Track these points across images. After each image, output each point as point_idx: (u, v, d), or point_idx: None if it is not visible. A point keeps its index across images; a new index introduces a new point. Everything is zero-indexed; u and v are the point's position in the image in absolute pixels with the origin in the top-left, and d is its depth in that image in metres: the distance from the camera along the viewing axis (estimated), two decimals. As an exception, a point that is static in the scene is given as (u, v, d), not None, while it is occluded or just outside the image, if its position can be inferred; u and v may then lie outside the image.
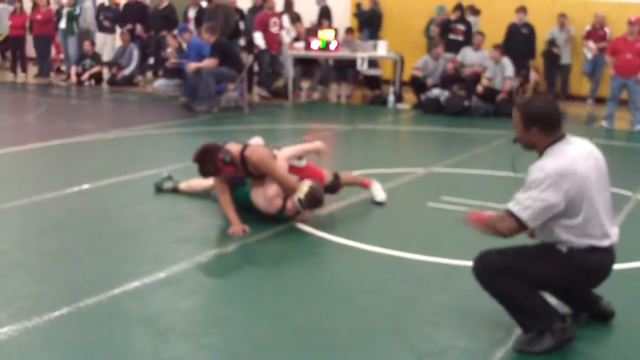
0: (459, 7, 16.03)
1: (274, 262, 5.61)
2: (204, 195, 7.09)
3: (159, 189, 7.28)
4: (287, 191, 6.23)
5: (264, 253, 5.79)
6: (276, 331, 4.29)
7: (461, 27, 15.84)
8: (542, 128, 4.01)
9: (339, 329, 4.35)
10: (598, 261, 4.11)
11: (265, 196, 6.28)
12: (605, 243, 4.09)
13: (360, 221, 6.73)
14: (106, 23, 17.62)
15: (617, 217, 6.72)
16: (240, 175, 6.37)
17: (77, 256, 5.50)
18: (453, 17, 15.93)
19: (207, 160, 6.18)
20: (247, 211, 6.37)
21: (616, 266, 4.22)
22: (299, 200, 6.17)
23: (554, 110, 4.06)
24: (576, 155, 4.00)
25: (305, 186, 6.20)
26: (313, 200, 6.20)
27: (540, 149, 4.06)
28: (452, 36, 15.64)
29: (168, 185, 7.28)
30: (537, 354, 4.07)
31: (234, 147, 6.26)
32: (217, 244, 5.81)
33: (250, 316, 4.51)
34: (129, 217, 6.52)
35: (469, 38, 15.58)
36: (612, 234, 4.14)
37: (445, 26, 15.99)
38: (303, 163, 6.66)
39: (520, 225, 3.99)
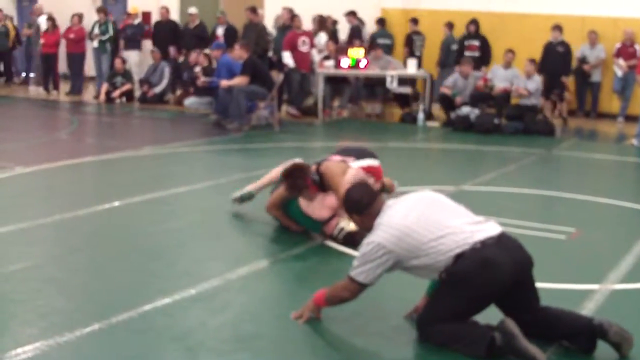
0: (473, 22, 16.00)
1: (304, 279, 5.62)
2: (235, 214, 7.12)
3: (242, 200, 7.17)
4: (341, 212, 6.21)
5: (294, 270, 5.81)
6: (306, 348, 4.29)
7: (476, 42, 15.83)
8: (359, 212, 4.49)
9: (369, 346, 4.34)
10: (476, 260, 4.14)
11: (322, 201, 6.32)
12: (475, 239, 4.20)
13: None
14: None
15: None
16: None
17: (109, 272, 5.54)
18: (467, 32, 16.00)
19: (298, 174, 6.22)
20: (283, 228, 6.47)
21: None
22: (342, 228, 6.20)
23: (361, 195, 4.50)
24: (394, 215, 4.31)
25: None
26: (350, 241, 6.15)
27: (370, 228, 4.40)
28: (467, 53, 15.61)
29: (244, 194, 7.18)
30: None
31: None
32: (247, 261, 5.81)
33: (281, 333, 4.51)
34: (159, 233, 6.56)
35: (485, 53, 15.61)
36: (477, 231, 4.27)
37: (461, 43, 15.99)
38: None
39: (361, 286, 4.38)
